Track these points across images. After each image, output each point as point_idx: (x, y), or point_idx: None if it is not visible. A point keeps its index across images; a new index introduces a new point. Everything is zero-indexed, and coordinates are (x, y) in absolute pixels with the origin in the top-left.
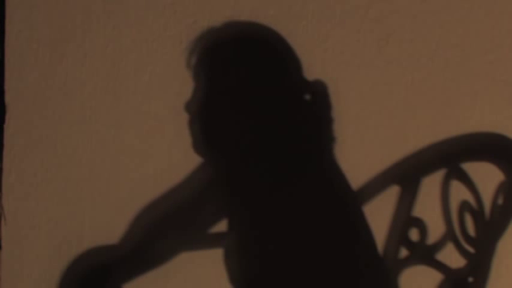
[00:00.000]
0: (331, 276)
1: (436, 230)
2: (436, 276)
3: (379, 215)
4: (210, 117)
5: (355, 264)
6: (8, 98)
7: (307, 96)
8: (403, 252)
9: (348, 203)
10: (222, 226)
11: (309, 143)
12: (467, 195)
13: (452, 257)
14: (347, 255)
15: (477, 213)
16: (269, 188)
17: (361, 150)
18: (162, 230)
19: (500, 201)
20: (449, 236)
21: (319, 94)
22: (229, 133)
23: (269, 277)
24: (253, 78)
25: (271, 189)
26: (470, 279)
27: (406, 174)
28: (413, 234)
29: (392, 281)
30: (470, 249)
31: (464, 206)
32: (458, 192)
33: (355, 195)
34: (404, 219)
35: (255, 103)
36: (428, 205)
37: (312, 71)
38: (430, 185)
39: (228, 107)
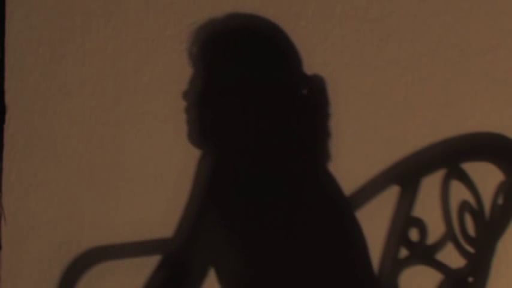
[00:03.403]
0: (326, 282)
1: (436, 230)
2: (436, 276)
3: (379, 215)
4: (206, 108)
5: (349, 269)
6: (8, 98)
7: (305, 91)
8: (403, 252)
9: (340, 204)
10: (218, 226)
11: (305, 140)
12: (467, 195)
13: (452, 257)
14: (340, 259)
15: (477, 213)
16: (264, 184)
17: (361, 150)
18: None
19: (500, 201)
20: (449, 236)
21: (317, 89)
22: (225, 125)
23: (264, 281)
24: (251, 71)
25: (266, 185)
26: (470, 279)
27: (406, 174)
28: (413, 234)
29: (392, 281)
30: (470, 249)
31: (464, 206)
32: (458, 192)
33: (346, 196)
34: (404, 219)
35: (252, 96)
36: (428, 205)
37: (311, 70)
38: (430, 185)
39: (225, 99)
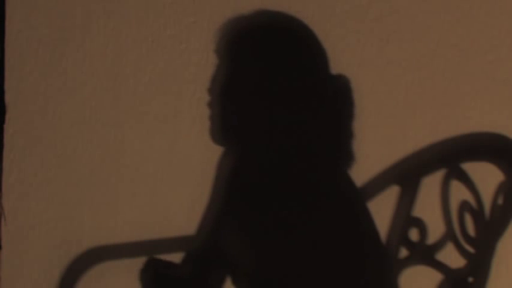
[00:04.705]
0: (334, 275)
1: (436, 230)
2: (436, 276)
3: (379, 215)
4: (228, 105)
5: (359, 263)
6: (8, 98)
7: (329, 91)
8: (403, 252)
9: (358, 208)
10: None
11: (327, 140)
12: (467, 195)
13: (452, 257)
14: (352, 254)
15: (477, 213)
16: (282, 185)
17: (361, 150)
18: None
19: (500, 201)
20: (449, 236)
21: (342, 90)
22: (246, 123)
23: (272, 273)
24: (276, 69)
25: (285, 186)
26: (470, 279)
27: (406, 174)
28: (413, 234)
29: (393, 281)
30: (470, 249)
31: (464, 206)
32: (458, 192)
33: (362, 195)
34: (404, 219)
35: (276, 95)
36: (428, 205)
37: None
38: (430, 185)
39: (247, 97)
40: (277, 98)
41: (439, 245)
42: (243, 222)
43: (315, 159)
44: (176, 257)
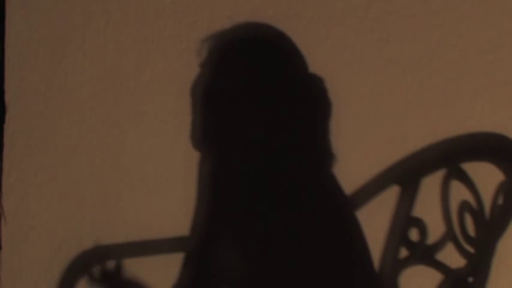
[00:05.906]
0: (324, 283)
1: (436, 230)
2: (436, 276)
3: (379, 215)
4: (208, 111)
5: (348, 270)
6: (8, 98)
7: (307, 93)
8: (403, 252)
9: (342, 206)
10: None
11: (307, 141)
12: (467, 195)
13: (452, 257)
14: (341, 260)
15: (477, 213)
16: (264, 184)
17: (361, 150)
18: None
19: (500, 201)
20: (449, 236)
21: (318, 90)
22: (226, 127)
23: (263, 281)
24: (256, 74)
25: (266, 185)
26: (470, 279)
27: (406, 174)
28: (413, 234)
29: (392, 281)
30: (470, 249)
31: (464, 206)
32: (458, 192)
33: (347, 197)
34: (404, 219)
35: (256, 99)
36: (428, 205)
37: (311, 70)
38: (430, 185)
39: (228, 102)
40: (260, 101)
41: (439, 245)
42: (231, 228)
43: (298, 160)
44: (176, 257)
